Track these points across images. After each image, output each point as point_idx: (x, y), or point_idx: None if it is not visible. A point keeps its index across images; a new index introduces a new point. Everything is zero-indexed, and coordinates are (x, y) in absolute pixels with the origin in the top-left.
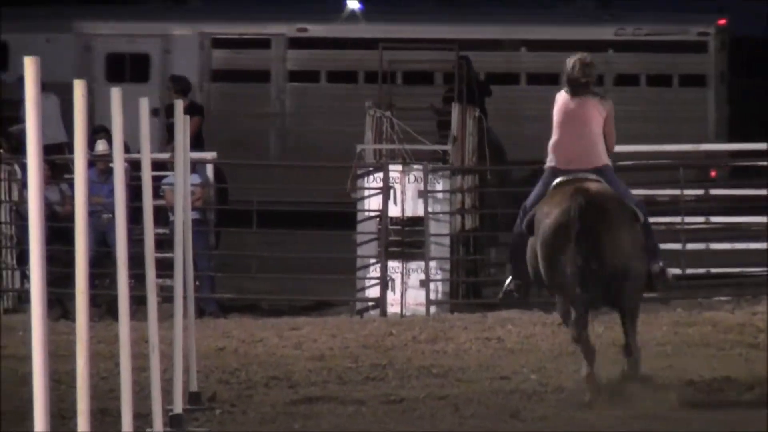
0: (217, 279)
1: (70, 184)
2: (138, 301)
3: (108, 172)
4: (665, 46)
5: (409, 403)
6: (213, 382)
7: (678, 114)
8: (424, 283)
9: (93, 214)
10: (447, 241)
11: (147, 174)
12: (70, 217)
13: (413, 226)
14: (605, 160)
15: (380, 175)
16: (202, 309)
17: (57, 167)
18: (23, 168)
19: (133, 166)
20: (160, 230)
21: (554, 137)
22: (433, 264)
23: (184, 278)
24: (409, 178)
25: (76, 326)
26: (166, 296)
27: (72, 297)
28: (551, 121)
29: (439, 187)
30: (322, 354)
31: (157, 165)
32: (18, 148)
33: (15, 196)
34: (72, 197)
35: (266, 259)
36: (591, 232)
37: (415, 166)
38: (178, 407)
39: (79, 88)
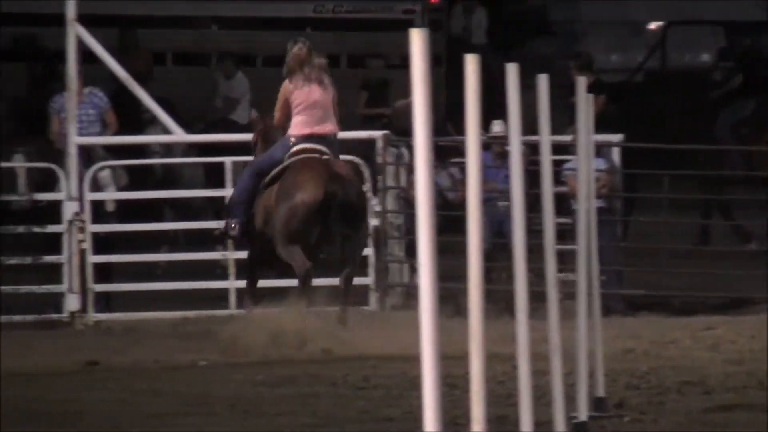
0: (624, 273)
1: (461, 168)
2: (537, 298)
3: (504, 156)
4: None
5: None
6: (620, 387)
7: None
8: None
9: (488, 201)
10: None
11: (546, 158)
12: (463, 205)
13: None
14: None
15: None
16: (608, 306)
17: (442, 150)
18: (411, 150)
19: (532, 150)
20: (562, 220)
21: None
22: None
23: (588, 273)
24: None
25: (469, 325)
26: (568, 292)
27: (465, 292)
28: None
29: None
30: (740, 357)
31: (558, 148)
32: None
33: (402, 181)
34: (464, 183)
35: (677, 251)
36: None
37: None
38: (583, 414)
39: (471, 62)
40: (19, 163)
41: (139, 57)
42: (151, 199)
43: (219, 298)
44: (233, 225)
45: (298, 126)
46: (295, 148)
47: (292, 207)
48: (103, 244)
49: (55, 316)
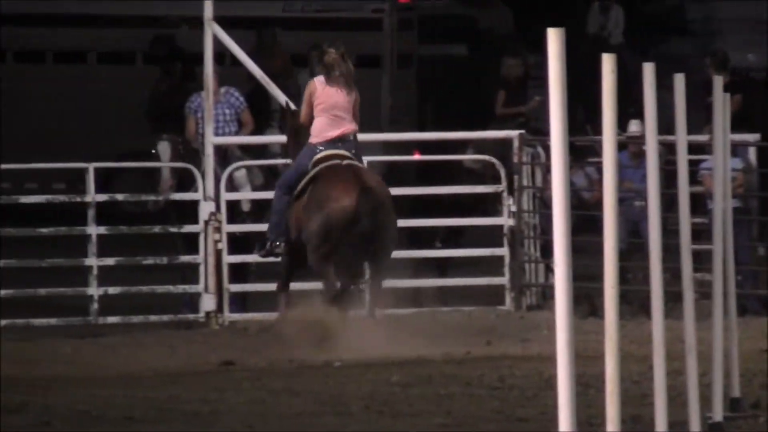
0: (760, 273)
1: (598, 168)
2: (673, 298)
3: (641, 156)
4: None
5: None
6: (756, 387)
7: None
8: None
9: (624, 201)
10: None
11: (683, 158)
12: (598, 205)
13: None
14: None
15: None
16: (744, 306)
17: (582, 149)
18: (546, 150)
19: (668, 149)
20: (698, 219)
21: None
22: None
23: (724, 272)
24: None
25: (605, 324)
26: (703, 292)
27: (601, 292)
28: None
29: None
30: None
31: (694, 148)
32: (539, 129)
33: (538, 181)
34: (600, 182)
35: None
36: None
37: None
38: (718, 414)
39: (608, 62)
40: (162, 151)
41: (276, 56)
42: None
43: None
44: (277, 243)
45: (318, 130)
46: (318, 156)
47: (322, 221)
48: (238, 244)
49: (191, 316)
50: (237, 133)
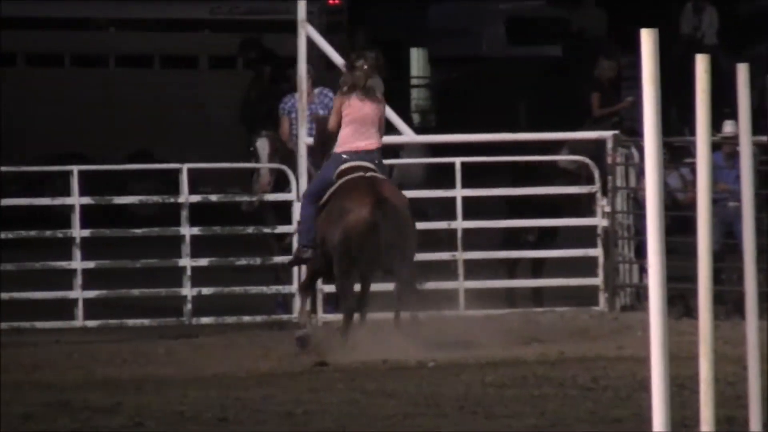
0: None
1: (692, 168)
2: (767, 299)
3: (735, 156)
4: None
5: None
6: None
7: None
8: None
9: (717, 202)
10: None
11: None
12: (692, 206)
13: None
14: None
15: None
16: None
17: (676, 150)
18: (640, 151)
19: (763, 150)
20: None
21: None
22: None
23: None
24: None
25: (699, 325)
26: None
27: (694, 293)
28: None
29: None
30: None
31: None
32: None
33: (632, 182)
34: (694, 183)
35: None
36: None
37: None
38: None
39: (702, 63)
40: (261, 148)
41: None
42: None
43: (448, 299)
44: (305, 249)
45: (343, 140)
46: (342, 167)
47: (341, 233)
48: None
49: (284, 316)
50: None
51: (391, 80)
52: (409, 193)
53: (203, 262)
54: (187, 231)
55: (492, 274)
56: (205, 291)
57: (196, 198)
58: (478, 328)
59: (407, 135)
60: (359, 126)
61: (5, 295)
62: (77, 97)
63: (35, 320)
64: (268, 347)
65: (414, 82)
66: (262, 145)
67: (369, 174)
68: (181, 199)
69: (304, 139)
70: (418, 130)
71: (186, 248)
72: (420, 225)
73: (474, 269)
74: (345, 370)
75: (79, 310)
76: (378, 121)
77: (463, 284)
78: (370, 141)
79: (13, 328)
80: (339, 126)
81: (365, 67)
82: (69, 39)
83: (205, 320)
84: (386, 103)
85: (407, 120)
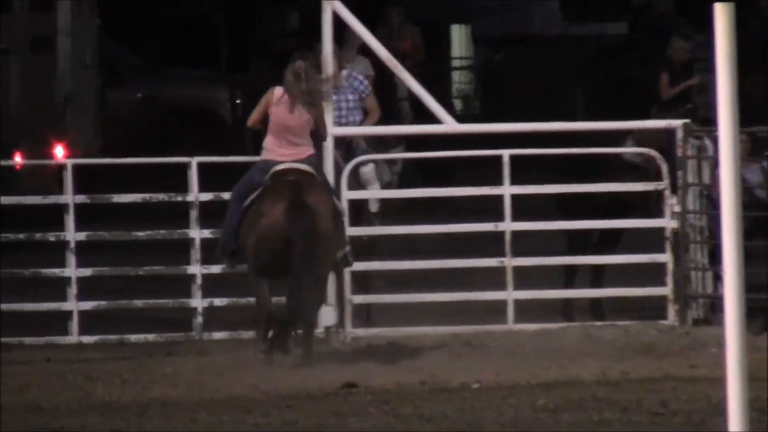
0: None
1: None
2: None
3: None
4: None
5: None
6: None
7: None
8: None
9: None
10: None
11: None
12: None
13: None
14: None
15: None
16: None
17: (759, 141)
18: (715, 142)
19: None
20: None
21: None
22: None
23: None
24: None
25: None
26: None
27: None
28: None
29: None
30: None
31: None
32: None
33: (705, 177)
34: None
35: None
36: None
37: None
38: None
39: None
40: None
41: (406, 37)
42: (420, 199)
43: (496, 311)
44: (224, 253)
45: (270, 146)
46: (275, 169)
47: (256, 237)
48: (363, 249)
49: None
50: (361, 123)
51: (430, 62)
52: (459, 191)
53: (215, 269)
54: (196, 234)
55: (545, 283)
56: (218, 302)
57: (207, 196)
58: (529, 344)
59: (448, 124)
60: (285, 133)
61: None
62: None
63: (24, 335)
64: (290, 366)
65: (455, 63)
66: None
67: (294, 178)
68: (190, 198)
69: (331, 129)
70: (460, 118)
71: (196, 254)
72: (465, 227)
73: (524, 277)
74: (377, 392)
75: (74, 324)
76: (308, 128)
77: (512, 294)
78: (297, 150)
79: None
80: (261, 123)
81: (303, 70)
82: None
83: (218, 335)
84: (395, 90)
85: (448, 107)
